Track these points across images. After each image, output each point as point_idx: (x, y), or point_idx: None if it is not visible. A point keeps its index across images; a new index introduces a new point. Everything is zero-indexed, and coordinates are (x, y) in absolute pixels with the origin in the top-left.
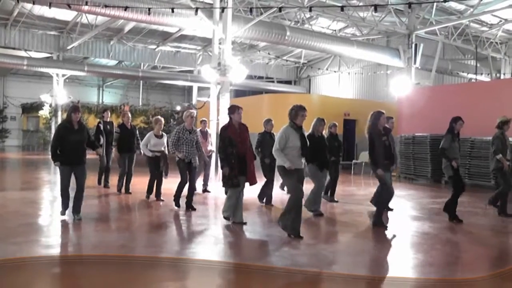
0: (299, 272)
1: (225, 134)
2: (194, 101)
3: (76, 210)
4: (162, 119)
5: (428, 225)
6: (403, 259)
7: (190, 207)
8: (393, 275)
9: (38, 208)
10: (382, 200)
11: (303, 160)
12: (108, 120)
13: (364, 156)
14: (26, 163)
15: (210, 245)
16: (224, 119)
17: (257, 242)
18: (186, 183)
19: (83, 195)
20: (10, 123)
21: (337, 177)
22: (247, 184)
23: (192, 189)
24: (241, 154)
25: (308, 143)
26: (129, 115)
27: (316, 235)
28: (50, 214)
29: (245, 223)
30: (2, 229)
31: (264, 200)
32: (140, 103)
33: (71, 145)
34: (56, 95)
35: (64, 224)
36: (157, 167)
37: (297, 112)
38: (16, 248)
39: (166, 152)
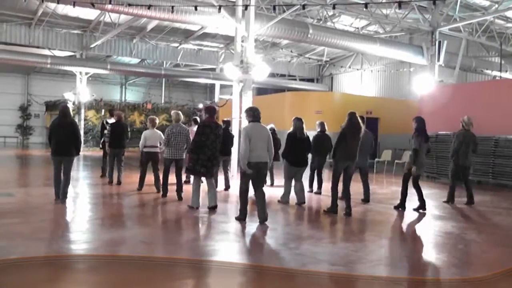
0: (317, 273)
1: None
2: (216, 99)
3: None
4: (150, 118)
5: (451, 225)
6: (425, 259)
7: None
8: (415, 276)
9: (61, 204)
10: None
11: None
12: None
13: (386, 155)
14: (49, 160)
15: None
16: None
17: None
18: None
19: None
20: (34, 120)
21: (319, 170)
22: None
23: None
24: None
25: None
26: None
27: (336, 234)
28: (73, 210)
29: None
30: (25, 225)
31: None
32: (163, 101)
33: None
34: (79, 93)
35: (86, 219)
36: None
37: None
38: (40, 244)
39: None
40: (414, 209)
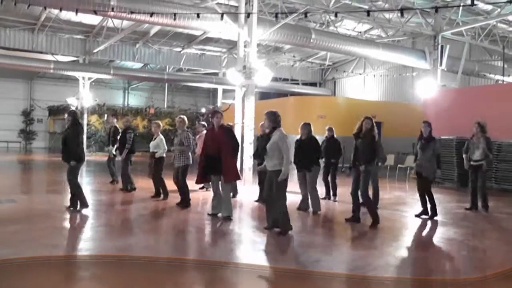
0: (320, 273)
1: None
2: (219, 103)
3: (73, 204)
4: (159, 122)
5: (454, 231)
6: (427, 265)
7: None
8: (418, 277)
9: (64, 211)
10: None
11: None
12: (115, 124)
13: (389, 159)
14: (53, 165)
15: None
16: (250, 122)
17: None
18: (175, 182)
19: (72, 191)
20: (37, 125)
21: (332, 178)
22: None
23: (181, 188)
24: (212, 154)
25: (269, 146)
26: (127, 118)
27: (339, 237)
28: (79, 216)
29: (230, 219)
30: (29, 231)
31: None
32: (165, 105)
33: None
34: (82, 98)
35: (89, 226)
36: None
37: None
38: (43, 250)
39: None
40: (416, 215)
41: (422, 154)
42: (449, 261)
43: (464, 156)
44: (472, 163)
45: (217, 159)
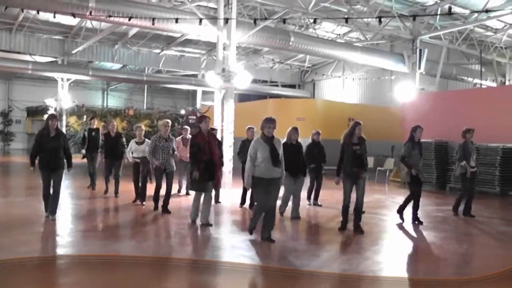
0: (306, 272)
1: (194, 141)
2: (198, 105)
3: (51, 211)
4: (143, 126)
5: (433, 235)
6: (405, 270)
7: (165, 210)
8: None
9: (42, 216)
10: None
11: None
12: (95, 127)
13: (368, 162)
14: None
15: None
16: (229, 125)
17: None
18: (160, 187)
19: (58, 198)
20: (15, 126)
21: (319, 183)
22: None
23: (168, 193)
24: (208, 160)
25: (280, 153)
26: (114, 123)
27: (322, 242)
28: (56, 222)
29: (210, 225)
30: (6, 238)
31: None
32: (145, 107)
33: (48, 151)
34: (61, 99)
35: (67, 232)
36: (136, 172)
37: (263, 125)
38: (25, 254)
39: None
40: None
41: (419, 160)
42: (431, 263)
43: (464, 163)
44: (471, 169)
45: (213, 165)
